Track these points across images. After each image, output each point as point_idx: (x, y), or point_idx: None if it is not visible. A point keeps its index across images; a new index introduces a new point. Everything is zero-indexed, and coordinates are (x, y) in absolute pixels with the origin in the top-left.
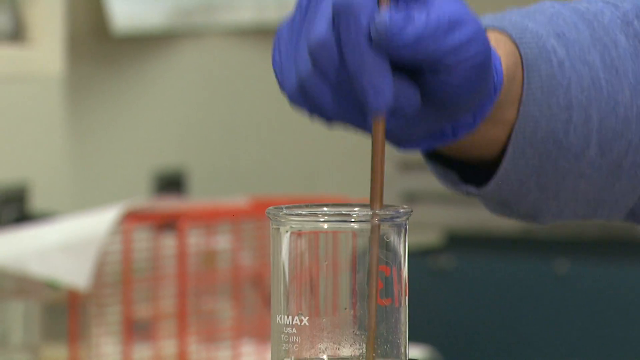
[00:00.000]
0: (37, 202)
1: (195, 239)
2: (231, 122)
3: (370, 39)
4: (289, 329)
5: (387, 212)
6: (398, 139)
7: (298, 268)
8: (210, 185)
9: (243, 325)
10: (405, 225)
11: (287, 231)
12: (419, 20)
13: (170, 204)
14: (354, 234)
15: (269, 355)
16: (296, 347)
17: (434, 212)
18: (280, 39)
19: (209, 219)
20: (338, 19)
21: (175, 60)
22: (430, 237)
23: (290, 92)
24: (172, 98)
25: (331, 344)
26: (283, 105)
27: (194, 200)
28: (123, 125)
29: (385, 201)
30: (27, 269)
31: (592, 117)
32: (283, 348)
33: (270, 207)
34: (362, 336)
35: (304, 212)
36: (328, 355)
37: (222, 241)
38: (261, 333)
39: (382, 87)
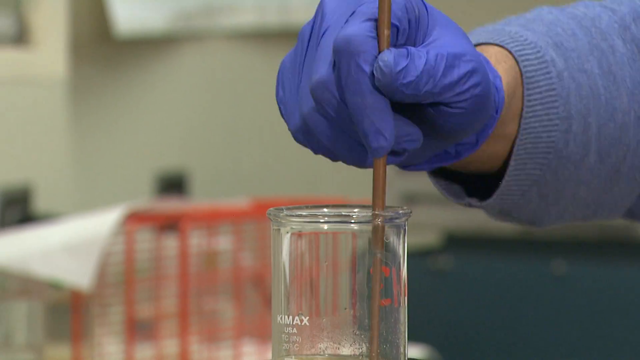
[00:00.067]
0: (40, 203)
1: (196, 240)
2: (232, 124)
3: (370, 79)
4: (290, 328)
5: (387, 214)
6: (401, 164)
7: (298, 268)
8: (212, 187)
9: (244, 325)
10: (405, 226)
11: (287, 232)
12: (419, 60)
13: (172, 205)
14: (354, 234)
15: (269, 355)
16: (297, 347)
17: (433, 214)
18: (283, 73)
19: (211, 220)
20: (338, 60)
21: (177, 63)
22: (429, 238)
23: (294, 129)
24: (174, 100)
25: (331, 343)
26: None
27: (196, 202)
28: (125, 127)
29: (386, 203)
30: (31, 270)
31: (591, 125)
32: (284, 347)
33: (271, 208)
34: (362, 336)
35: (304, 213)
36: (328, 355)
37: (224, 242)
38: (262, 333)
39: (383, 128)
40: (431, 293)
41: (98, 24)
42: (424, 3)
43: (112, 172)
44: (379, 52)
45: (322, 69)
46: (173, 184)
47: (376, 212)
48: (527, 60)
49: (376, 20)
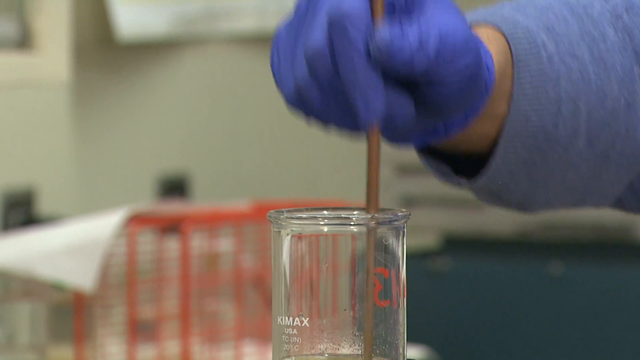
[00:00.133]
0: (43, 206)
1: (198, 242)
2: (233, 128)
3: (363, 52)
4: (290, 329)
5: (386, 216)
6: (392, 137)
7: (299, 270)
8: (213, 190)
9: (245, 326)
10: (404, 228)
11: (287, 234)
12: (413, 36)
13: (173, 207)
14: (353, 237)
15: (270, 356)
16: (297, 348)
17: (432, 216)
18: (278, 41)
19: (212, 222)
20: (332, 32)
21: (178, 67)
22: (427, 240)
23: (287, 95)
24: (175, 104)
25: (331, 344)
26: (284, 111)
27: (197, 204)
28: (127, 131)
29: (384, 205)
30: (34, 271)
31: (580, 110)
32: (284, 348)
33: (272, 211)
34: (361, 337)
35: (304, 216)
36: (328, 355)
37: (225, 244)
38: (263, 334)
39: (373, 98)
40: (430, 294)
41: (101, 28)
42: None
43: (115, 175)
44: (373, 26)
45: (317, 37)
46: (175, 187)
47: (369, 205)
48: (518, 42)
49: None
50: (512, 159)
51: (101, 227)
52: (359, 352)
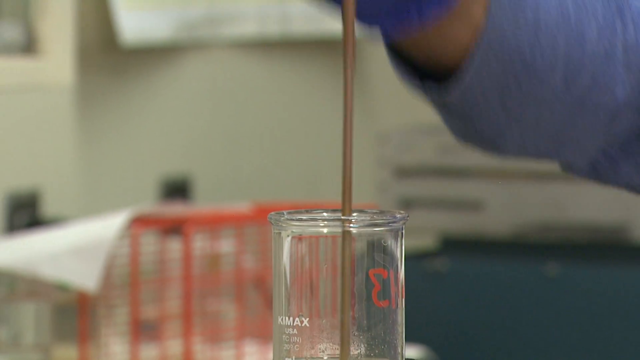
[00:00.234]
0: (48, 207)
1: (200, 243)
2: (235, 131)
3: None
4: (290, 329)
5: (385, 218)
6: (364, 12)
7: (299, 271)
8: (215, 192)
9: (246, 326)
10: (402, 229)
11: (288, 235)
12: None
13: (176, 209)
14: (353, 238)
15: (270, 355)
16: (297, 348)
17: (430, 217)
18: None
19: (213, 224)
20: None
21: (181, 72)
22: (425, 241)
23: None
24: (178, 108)
25: (331, 344)
26: (284, 115)
27: (199, 206)
28: (131, 134)
29: (383, 207)
30: (39, 272)
31: (558, 44)
32: (284, 348)
33: (272, 213)
34: (361, 337)
35: (304, 217)
36: (328, 355)
37: (226, 245)
38: (263, 333)
39: None
40: (428, 295)
41: (104, 33)
42: None
43: (118, 177)
44: None
45: None
46: (177, 189)
47: (344, 206)
48: None
49: None
50: (486, 79)
51: (105, 228)
52: (358, 352)
